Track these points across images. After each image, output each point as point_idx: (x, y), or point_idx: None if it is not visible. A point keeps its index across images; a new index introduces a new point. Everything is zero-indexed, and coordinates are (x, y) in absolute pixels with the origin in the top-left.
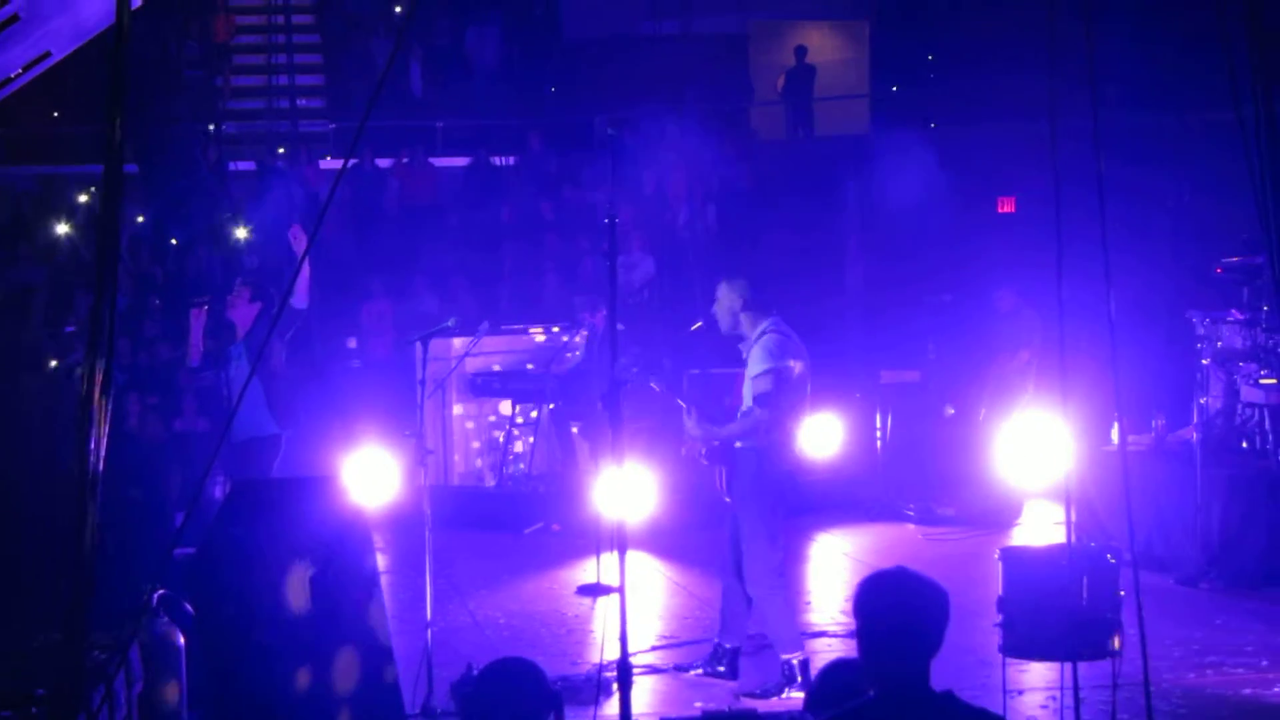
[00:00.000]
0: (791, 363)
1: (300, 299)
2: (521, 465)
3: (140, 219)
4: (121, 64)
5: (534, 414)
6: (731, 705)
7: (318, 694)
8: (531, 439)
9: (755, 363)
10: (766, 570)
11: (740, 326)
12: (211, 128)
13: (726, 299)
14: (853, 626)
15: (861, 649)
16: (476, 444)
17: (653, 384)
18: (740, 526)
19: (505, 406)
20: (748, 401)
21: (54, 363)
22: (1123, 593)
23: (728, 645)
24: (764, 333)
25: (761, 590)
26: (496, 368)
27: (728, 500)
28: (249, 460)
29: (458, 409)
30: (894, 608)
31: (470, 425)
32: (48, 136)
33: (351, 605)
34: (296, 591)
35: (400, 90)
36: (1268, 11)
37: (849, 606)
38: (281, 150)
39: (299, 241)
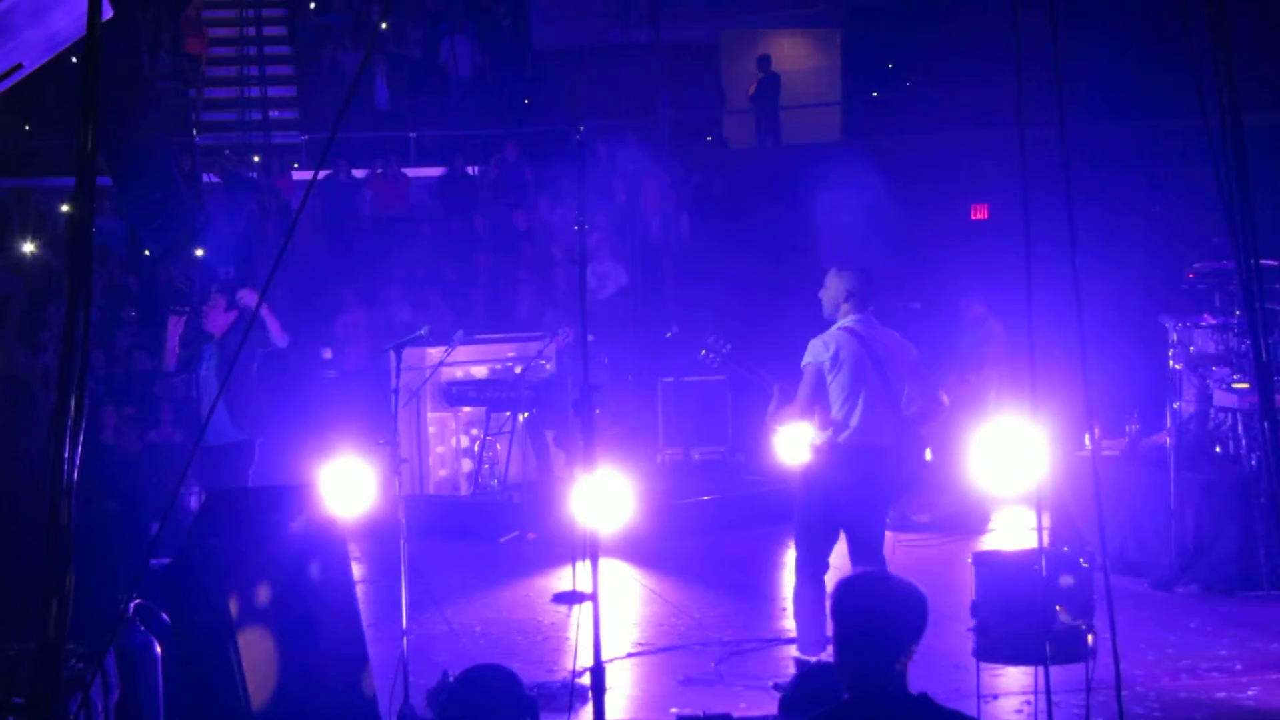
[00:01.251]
0: (828, 356)
1: (279, 339)
2: (495, 477)
3: (114, 229)
4: (94, 76)
5: (519, 420)
6: (706, 710)
7: (293, 703)
8: (501, 447)
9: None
10: (797, 566)
11: (838, 316)
12: (184, 139)
13: (833, 286)
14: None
15: (836, 651)
16: (441, 448)
17: (706, 355)
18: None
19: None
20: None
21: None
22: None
23: (812, 658)
24: (827, 326)
25: (798, 582)
26: (506, 370)
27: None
28: (221, 467)
29: (432, 418)
30: (868, 610)
31: (449, 433)
32: (21, 149)
33: (327, 614)
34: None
35: (372, 101)
36: (1234, 22)
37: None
38: (256, 159)
39: (247, 299)
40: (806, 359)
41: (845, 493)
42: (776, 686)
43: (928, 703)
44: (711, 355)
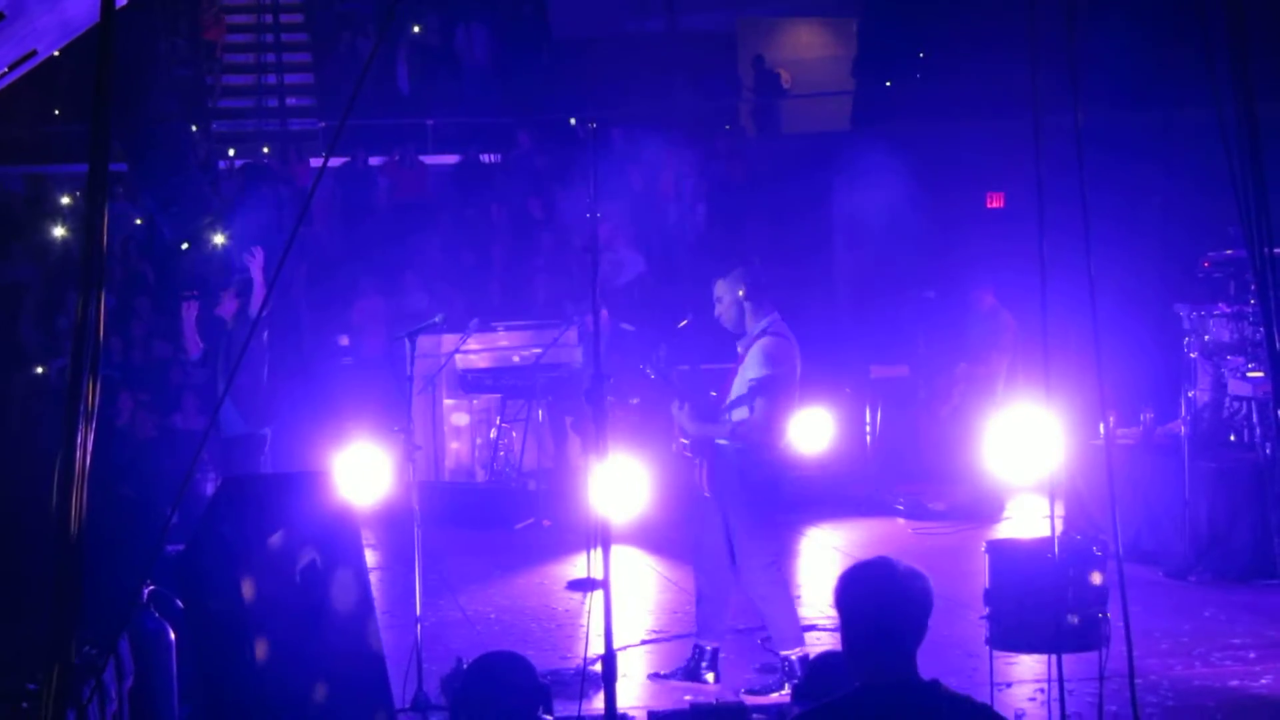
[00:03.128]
0: (791, 368)
1: (252, 307)
2: (511, 464)
3: (139, 221)
4: (107, 61)
5: (540, 412)
6: (719, 698)
7: (308, 689)
8: (517, 434)
9: (755, 365)
10: (761, 566)
11: (743, 319)
12: (201, 126)
13: (727, 294)
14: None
15: (844, 640)
16: (457, 439)
17: (647, 370)
18: (729, 524)
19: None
20: (733, 396)
21: (40, 369)
22: (1100, 576)
23: (708, 646)
24: (765, 332)
25: (760, 588)
26: (522, 357)
27: (706, 495)
28: (232, 458)
29: (448, 405)
30: (875, 597)
31: (465, 421)
32: (38, 136)
33: (341, 600)
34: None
35: (390, 88)
36: (1249, 11)
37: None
38: (265, 150)
39: (254, 261)
40: (777, 369)
41: (773, 492)
42: (749, 691)
43: (938, 688)
44: (651, 370)
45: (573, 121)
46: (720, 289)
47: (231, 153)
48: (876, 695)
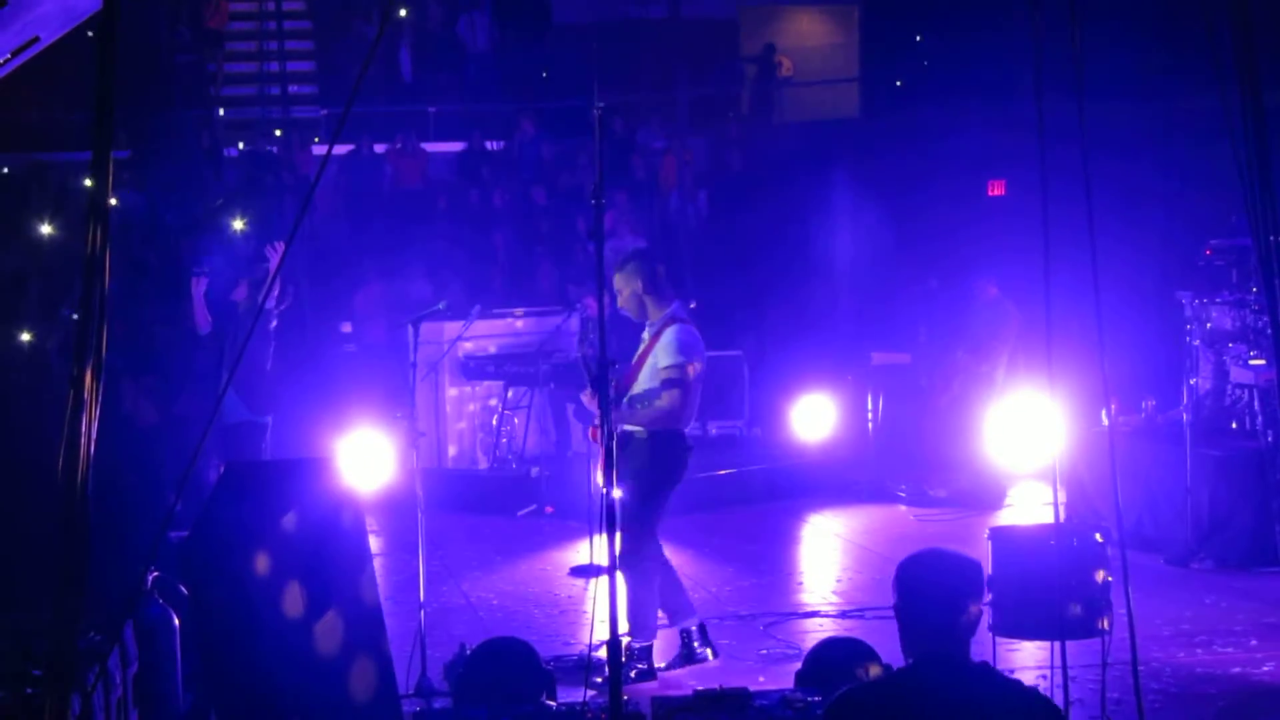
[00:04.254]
0: (698, 362)
1: (272, 302)
2: (513, 451)
3: (141, 206)
4: (110, 49)
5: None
6: (724, 684)
7: (312, 674)
8: (519, 421)
9: (666, 354)
10: (645, 556)
11: (645, 310)
12: (204, 113)
13: (626, 286)
14: (843, 606)
15: (901, 624)
16: (461, 423)
17: (581, 352)
18: (624, 510)
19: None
20: (642, 386)
21: (25, 336)
22: (1109, 578)
23: (693, 626)
24: (673, 320)
25: (636, 576)
26: (525, 344)
27: (600, 482)
28: (233, 445)
29: (451, 392)
30: (929, 581)
31: (468, 408)
32: (40, 123)
33: (344, 585)
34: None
35: (393, 76)
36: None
37: (840, 587)
38: (278, 133)
39: (275, 254)
40: (685, 358)
41: (674, 484)
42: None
43: (990, 670)
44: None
45: (599, 107)
46: (619, 282)
47: (241, 146)
48: (929, 672)
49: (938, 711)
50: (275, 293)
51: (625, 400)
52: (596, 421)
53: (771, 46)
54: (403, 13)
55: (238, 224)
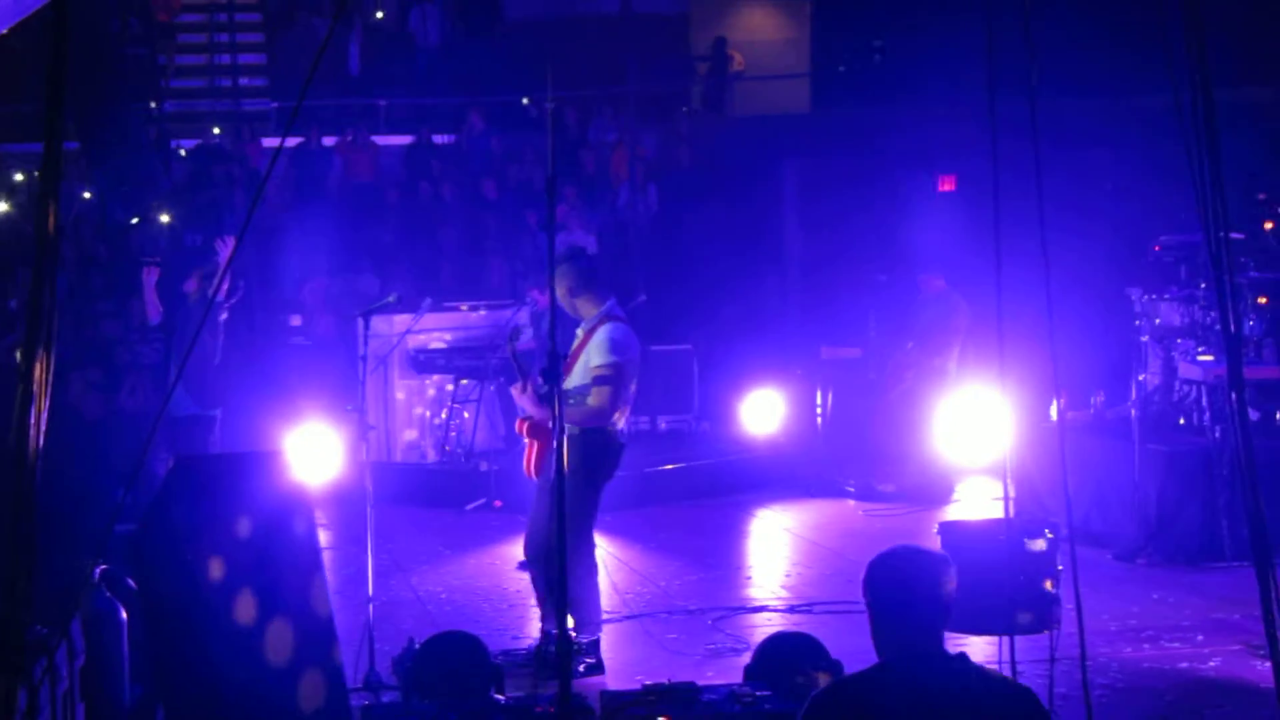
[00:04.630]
0: (631, 361)
1: (223, 295)
2: (462, 445)
3: (87, 195)
4: (63, 41)
5: (493, 390)
6: (672, 678)
7: (260, 668)
8: (468, 415)
9: (598, 352)
10: (583, 552)
11: (577, 310)
12: (154, 105)
13: (560, 286)
14: (791, 601)
15: (875, 622)
16: (411, 418)
17: (510, 348)
18: (554, 508)
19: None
20: (574, 383)
21: None
22: (1060, 567)
23: (554, 631)
24: (607, 317)
25: (580, 572)
26: (474, 338)
27: (534, 478)
28: (180, 438)
29: (400, 385)
30: (900, 577)
31: (417, 401)
32: None
33: (293, 580)
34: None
35: (342, 69)
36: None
37: (788, 581)
38: (217, 131)
39: (225, 248)
40: (622, 356)
41: (606, 481)
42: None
43: (966, 662)
44: (510, 347)
45: (526, 101)
46: (555, 281)
47: (191, 139)
48: (908, 666)
49: (920, 705)
50: (225, 286)
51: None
52: (523, 414)
53: (723, 41)
54: (379, 15)
55: (186, 217)
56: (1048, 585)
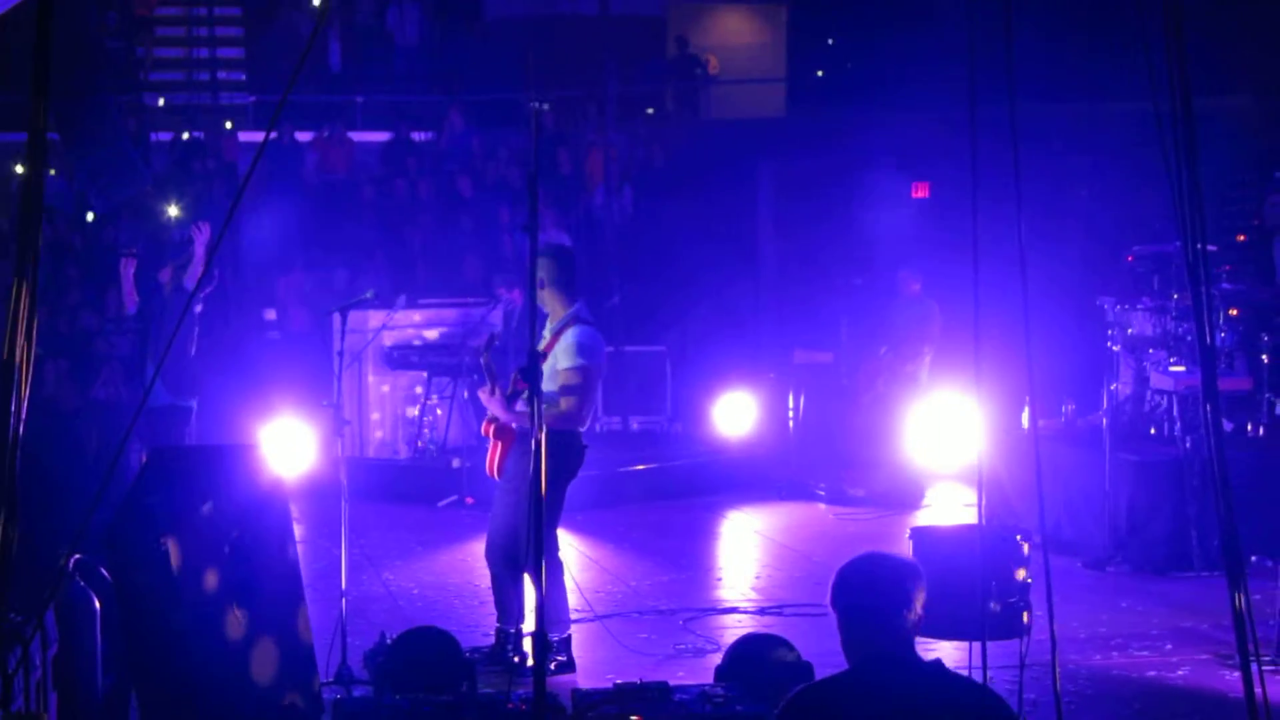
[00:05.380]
0: (598, 365)
1: (192, 282)
2: (435, 441)
3: (67, 190)
4: (46, 33)
5: (465, 396)
6: (643, 678)
7: (232, 660)
8: (442, 411)
9: (566, 356)
10: (551, 554)
11: (545, 304)
12: (131, 98)
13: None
14: (762, 603)
15: (844, 631)
16: (384, 414)
17: (484, 358)
18: (518, 508)
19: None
20: (543, 385)
21: None
22: (1029, 579)
23: (512, 630)
24: (575, 320)
25: (547, 573)
26: (448, 334)
27: (497, 479)
28: (157, 429)
29: (373, 381)
30: (868, 583)
31: (390, 397)
32: None
33: (267, 573)
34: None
35: (320, 65)
36: (1185, 6)
37: (759, 584)
38: (185, 137)
39: (200, 234)
40: (585, 361)
41: (568, 483)
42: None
43: (941, 668)
44: (484, 355)
45: (538, 103)
46: (541, 270)
47: (169, 132)
48: (879, 670)
49: (891, 710)
50: (199, 274)
51: (523, 399)
52: (489, 417)
53: (698, 44)
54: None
55: (167, 209)
56: (1020, 576)
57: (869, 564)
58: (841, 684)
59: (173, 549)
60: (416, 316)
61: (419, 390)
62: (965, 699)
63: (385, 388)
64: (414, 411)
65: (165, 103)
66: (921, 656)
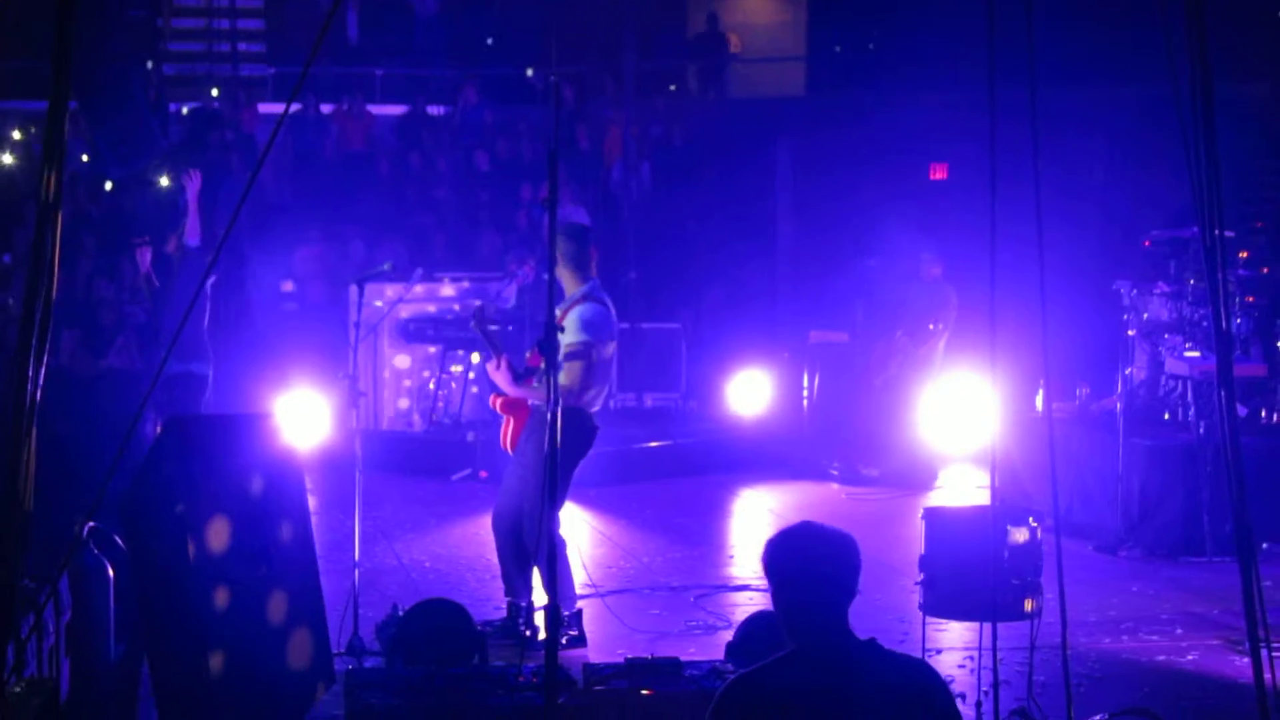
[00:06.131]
0: (609, 343)
1: (193, 236)
2: (450, 414)
3: (85, 157)
4: (69, 2)
5: (476, 361)
6: (654, 654)
7: (245, 629)
8: (456, 385)
9: (572, 330)
10: (552, 529)
11: (562, 281)
12: (151, 67)
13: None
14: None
15: (777, 604)
16: (399, 387)
17: (476, 326)
18: (525, 483)
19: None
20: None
21: None
22: (1040, 562)
23: (522, 604)
24: (585, 298)
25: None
26: (464, 308)
27: (510, 453)
28: (172, 397)
29: (389, 354)
30: (803, 557)
31: (406, 370)
32: None
33: (281, 542)
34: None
35: (339, 37)
36: None
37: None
38: (215, 91)
39: (191, 183)
40: (595, 336)
41: (578, 460)
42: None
43: (876, 647)
44: (476, 326)
45: (530, 72)
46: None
47: (188, 102)
48: (811, 654)
49: (831, 694)
50: (196, 226)
51: (539, 375)
52: (499, 391)
53: (719, 22)
54: None
55: (172, 178)
56: (1031, 560)
57: (804, 538)
58: (779, 671)
59: (187, 527)
60: (433, 290)
61: (440, 362)
62: (903, 679)
63: (401, 361)
64: (430, 384)
65: (184, 73)
66: (857, 636)
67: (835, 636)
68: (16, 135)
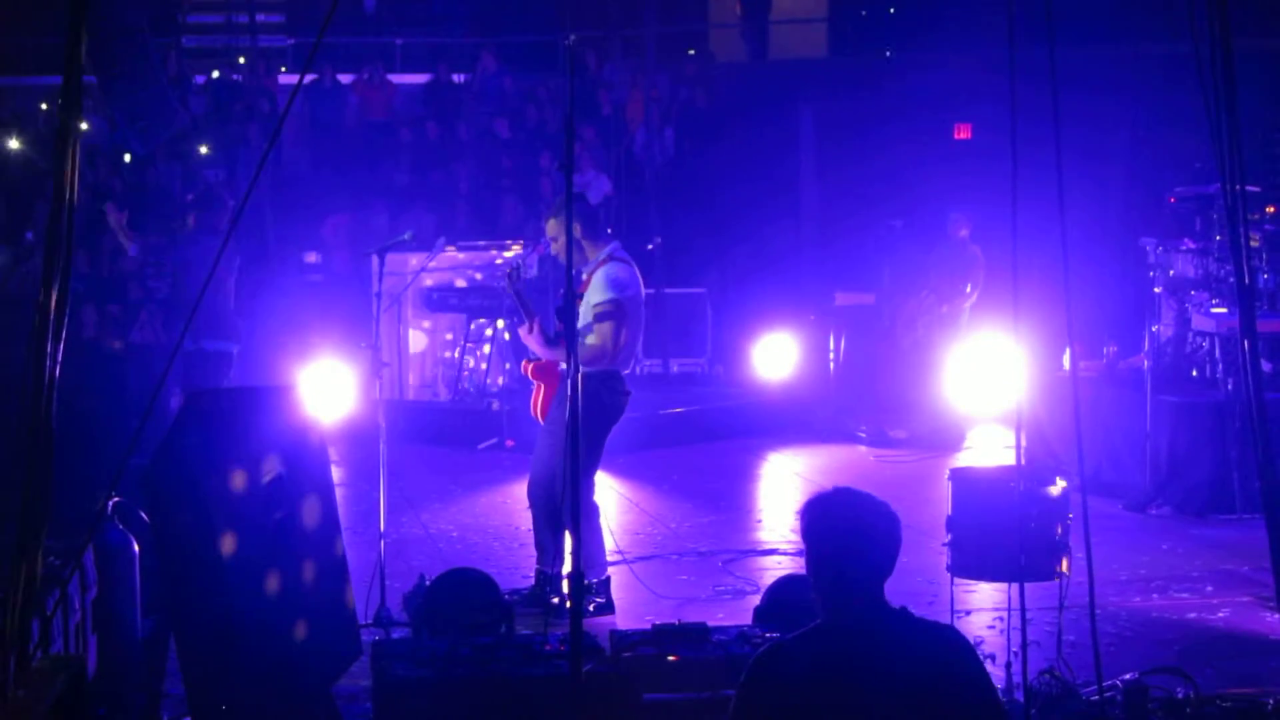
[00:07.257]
0: (633, 299)
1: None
2: (474, 384)
3: (104, 127)
4: None
5: (501, 327)
6: (682, 619)
7: (271, 602)
8: (486, 352)
9: (598, 290)
10: (585, 493)
11: (583, 252)
12: (171, 40)
13: (561, 234)
14: (801, 544)
15: (811, 573)
16: (423, 356)
17: (510, 286)
18: (556, 450)
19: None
20: (580, 322)
21: None
22: (1071, 515)
23: (551, 571)
24: (609, 259)
25: (581, 517)
26: (488, 277)
27: (541, 421)
28: (196, 372)
29: (414, 323)
30: (841, 532)
31: (429, 340)
32: (3, 47)
33: (306, 515)
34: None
35: (357, 6)
36: None
37: (798, 525)
38: (242, 60)
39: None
40: (620, 294)
41: (610, 424)
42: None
43: (908, 616)
44: (510, 287)
45: (572, 38)
46: (553, 228)
47: (210, 74)
48: (842, 626)
49: (863, 667)
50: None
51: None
52: (531, 356)
53: None
54: None
55: (200, 150)
56: (1059, 521)
57: (845, 505)
58: (812, 642)
59: (211, 501)
60: (458, 258)
61: (464, 331)
62: (931, 650)
63: (425, 330)
64: (454, 354)
65: (203, 45)
66: (890, 605)
67: (868, 610)
68: (43, 106)
